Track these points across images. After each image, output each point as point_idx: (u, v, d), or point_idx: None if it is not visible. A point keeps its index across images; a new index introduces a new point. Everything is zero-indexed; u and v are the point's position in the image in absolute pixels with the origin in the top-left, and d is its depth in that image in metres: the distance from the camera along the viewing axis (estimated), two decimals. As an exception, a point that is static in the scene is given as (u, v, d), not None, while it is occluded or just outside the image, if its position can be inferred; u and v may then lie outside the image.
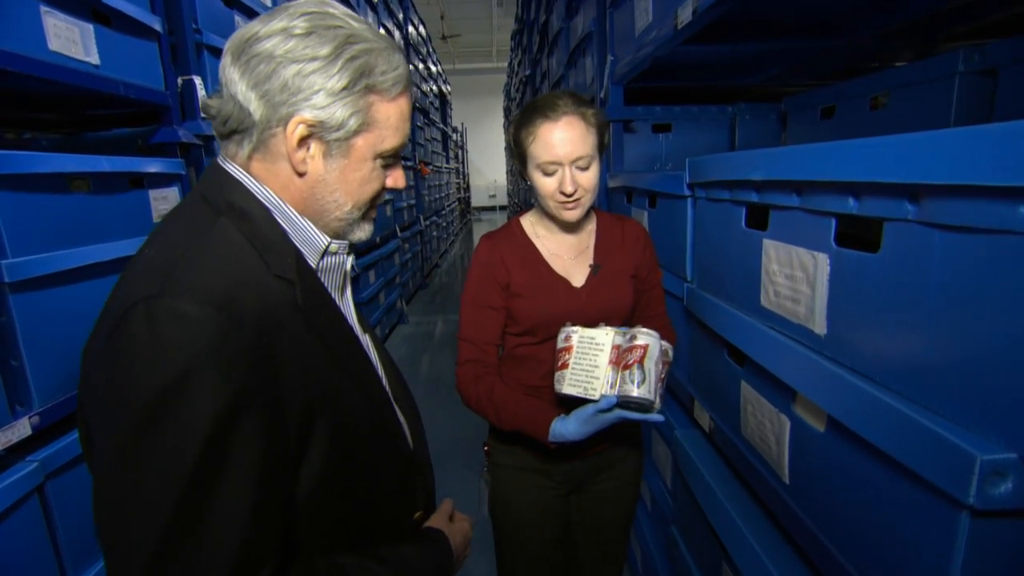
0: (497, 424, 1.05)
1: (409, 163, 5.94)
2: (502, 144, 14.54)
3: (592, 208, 1.14)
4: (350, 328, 0.65)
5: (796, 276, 0.78)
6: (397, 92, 0.61)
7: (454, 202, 11.00)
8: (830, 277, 0.70)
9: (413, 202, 6.15)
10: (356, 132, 0.59)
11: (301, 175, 0.60)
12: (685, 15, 1.17)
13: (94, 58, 1.32)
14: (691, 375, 1.31)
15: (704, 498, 1.12)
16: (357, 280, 3.56)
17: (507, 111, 10.60)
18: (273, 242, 0.58)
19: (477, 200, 17.13)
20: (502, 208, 17.08)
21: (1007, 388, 0.48)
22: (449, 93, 10.84)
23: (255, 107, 0.56)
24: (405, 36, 5.98)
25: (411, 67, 6.67)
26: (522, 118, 1.02)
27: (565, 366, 0.97)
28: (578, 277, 1.09)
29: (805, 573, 0.83)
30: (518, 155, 1.05)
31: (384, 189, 0.66)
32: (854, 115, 1.52)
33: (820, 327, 0.73)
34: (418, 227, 6.28)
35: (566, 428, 0.94)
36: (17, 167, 1.03)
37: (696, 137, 2.07)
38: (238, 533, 0.48)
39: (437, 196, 8.27)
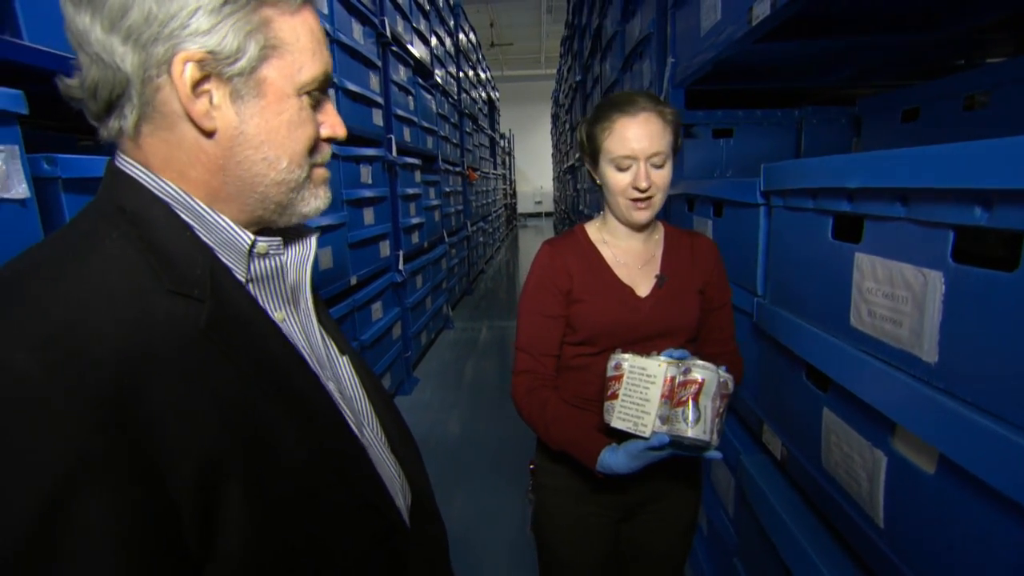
0: (546, 440, 1.00)
1: (458, 169, 5.99)
2: (549, 150, 14.52)
3: (659, 219, 1.08)
4: (291, 352, 0.52)
5: (899, 295, 0.69)
6: (297, 3, 0.49)
7: (500, 208, 11.03)
8: (945, 298, 0.62)
9: (461, 208, 6.19)
10: (261, 60, 0.47)
11: (210, 135, 0.47)
12: (762, 9, 1.09)
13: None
14: (759, 395, 1.22)
15: (776, 533, 1.02)
16: (404, 285, 3.57)
17: (555, 117, 10.57)
18: (174, 250, 0.46)
19: (523, 206, 17.16)
20: (548, 215, 17.04)
21: None
22: (497, 100, 10.91)
23: (121, 55, 0.44)
24: (456, 43, 6.05)
25: (461, 74, 6.67)
26: (597, 114, 1.00)
27: (615, 396, 0.89)
28: (643, 287, 1.03)
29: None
30: (590, 152, 1.03)
31: (321, 140, 0.54)
32: (944, 117, 1.38)
33: (930, 354, 0.64)
34: (465, 232, 6.31)
35: (615, 460, 0.88)
36: (81, 171, 1.06)
37: (759, 143, 1.97)
38: None
39: (484, 202, 8.30)
